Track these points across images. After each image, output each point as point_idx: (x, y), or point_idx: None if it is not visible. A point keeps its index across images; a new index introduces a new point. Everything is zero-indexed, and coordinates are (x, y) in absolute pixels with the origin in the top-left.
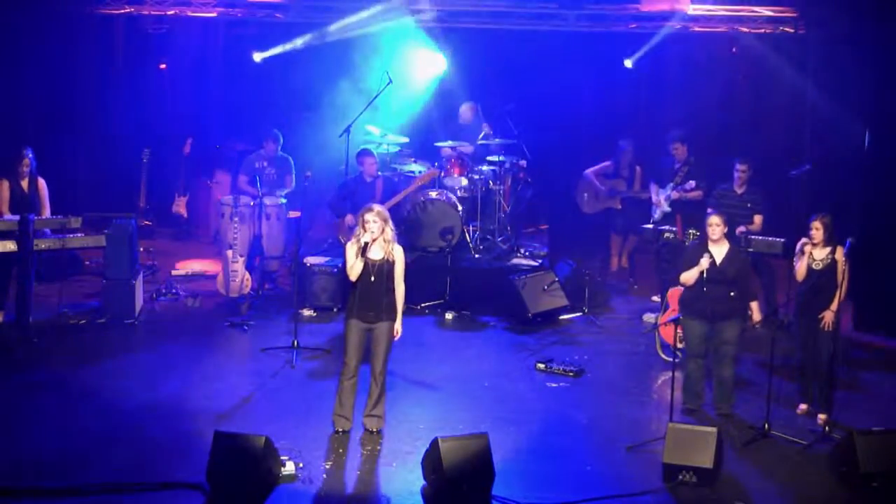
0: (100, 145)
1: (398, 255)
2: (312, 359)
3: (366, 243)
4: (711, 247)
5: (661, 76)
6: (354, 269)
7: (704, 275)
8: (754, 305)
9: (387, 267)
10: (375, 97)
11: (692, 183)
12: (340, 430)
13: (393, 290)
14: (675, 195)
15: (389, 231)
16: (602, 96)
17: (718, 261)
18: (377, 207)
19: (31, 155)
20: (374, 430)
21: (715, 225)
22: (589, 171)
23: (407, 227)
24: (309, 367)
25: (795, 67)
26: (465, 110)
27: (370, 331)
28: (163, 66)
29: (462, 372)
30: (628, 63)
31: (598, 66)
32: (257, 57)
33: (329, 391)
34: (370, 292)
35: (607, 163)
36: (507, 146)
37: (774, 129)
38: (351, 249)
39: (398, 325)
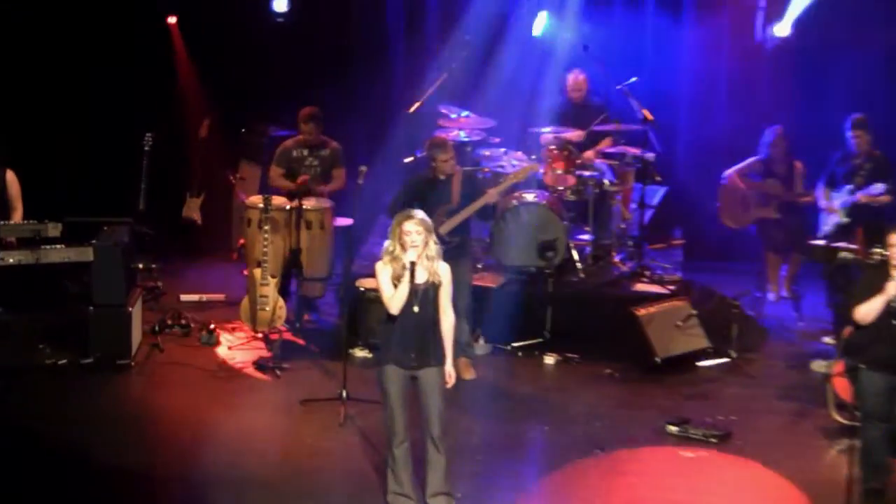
0: (85, 128)
1: (445, 276)
2: (367, 414)
3: (412, 263)
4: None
5: (826, 44)
6: (397, 297)
7: (891, 307)
8: None
9: (432, 293)
10: (450, 67)
11: (880, 186)
12: None
13: (438, 324)
14: (861, 198)
15: (433, 245)
16: (752, 69)
17: None
18: (419, 214)
19: None
20: None
21: None
22: (730, 171)
23: (494, 241)
24: (362, 425)
25: None
26: (575, 81)
27: (414, 379)
28: (172, 19)
29: (566, 435)
30: (780, 30)
31: (741, 33)
32: (279, 5)
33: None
34: (413, 328)
35: (753, 159)
36: (629, 134)
37: None
38: (384, 272)
39: (449, 368)
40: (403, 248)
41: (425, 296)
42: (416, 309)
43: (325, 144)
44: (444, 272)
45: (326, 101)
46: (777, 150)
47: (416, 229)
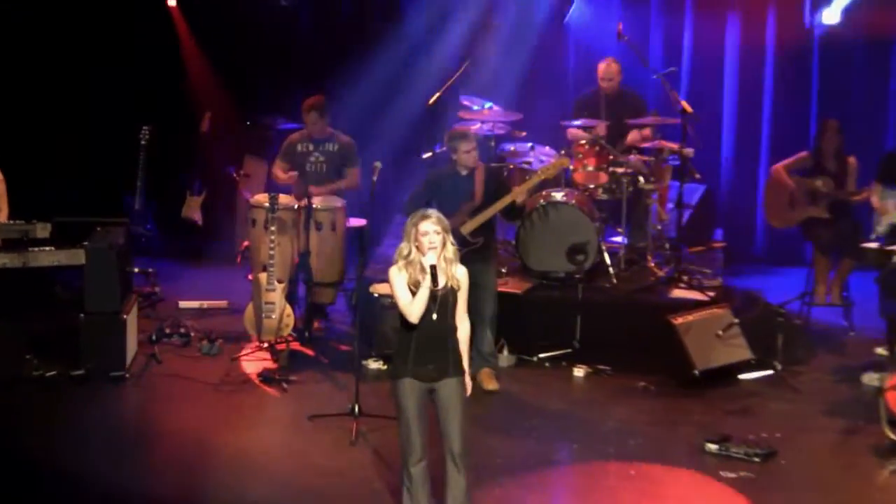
0: (77, 121)
1: (463, 280)
2: (381, 431)
3: (433, 267)
4: None
5: (878, 31)
6: (417, 304)
7: None
8: None
9: (451, 298)
10: (473, 55)
11: None
12: None
13: (456, 331)
14: None
15: (451, 246)
16: (799, 59)
17: None
18: (435, 213)
19: None
20: None
21: None
22: (778, 165)
23: (520, 243)
24: (376, 442)
25: None
26: (607, 70)
27: (431, 392)
28: (172, 2)
29: (596, 453)
30: (829, 17)
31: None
32: None
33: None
34: (431, 337)
35: (804, 153)
36: (666, 127)
37: None
38: (399, 278)
39: (467, 378)
40: (420, 250)
41: (444, 302)
42: (434, 317)
43: (333, 138)
44: (462, 276)
45: (337, 91)
46: (829, 144)
47: (433, 229)
